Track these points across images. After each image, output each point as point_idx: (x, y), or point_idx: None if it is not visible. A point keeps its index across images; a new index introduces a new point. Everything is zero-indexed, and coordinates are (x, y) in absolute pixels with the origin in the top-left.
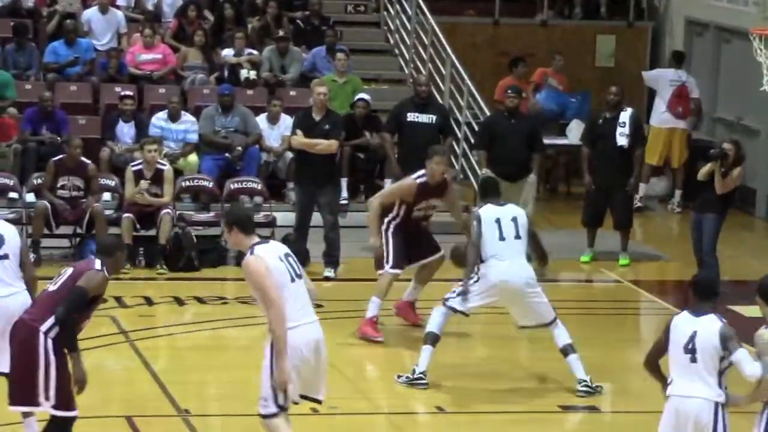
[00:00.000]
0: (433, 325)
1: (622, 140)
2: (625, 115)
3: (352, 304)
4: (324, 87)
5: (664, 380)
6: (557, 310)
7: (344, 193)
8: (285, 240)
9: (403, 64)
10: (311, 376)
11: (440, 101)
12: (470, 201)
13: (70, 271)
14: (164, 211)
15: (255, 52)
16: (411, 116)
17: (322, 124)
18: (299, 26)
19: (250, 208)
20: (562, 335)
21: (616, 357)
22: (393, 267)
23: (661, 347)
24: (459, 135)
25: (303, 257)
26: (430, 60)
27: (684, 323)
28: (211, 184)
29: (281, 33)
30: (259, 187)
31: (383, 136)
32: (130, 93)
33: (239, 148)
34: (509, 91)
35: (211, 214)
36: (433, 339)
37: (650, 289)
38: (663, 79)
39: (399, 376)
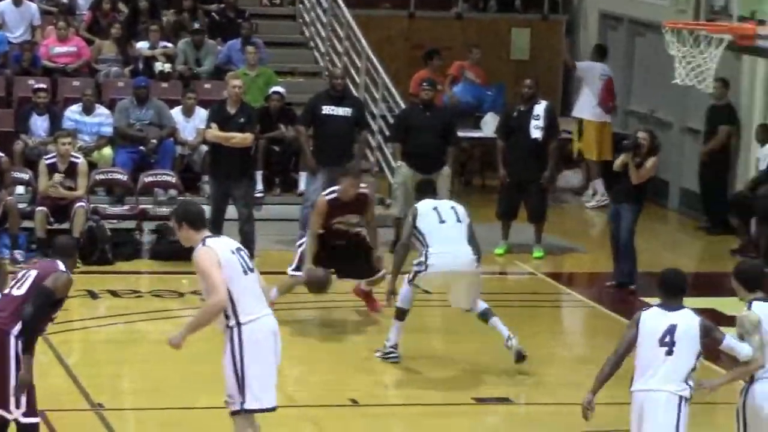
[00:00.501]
0: (399, 300)
1: (536, 133)
2: (540, 108)
3: None
4: (239, 80)
5: (606, 380)
6: None
7: (259, 186)
8: None
9: (318, 57)
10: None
11: (355, 94)
12: (385, 194)
13: (33, 273)
14: (78, 204)
15: (170, 44)
16: (326, 109)
17: (237, 117)
18: (214, 19)
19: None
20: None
21: (530, 349)
22: (294, 270)
23: (631, 342)
24: (374, 128)
25: None
26: (345, 53)
27: (656, 318)
28: (125, 177)
29: (196, 26)
30: (174, 180)
31: (298, 128)
32: (44, 86)
33: (154, 140)
34: (424, 84)
35: (126, 207)
36: (400, 313)
37: (564, 281)
38: (594, 72)
39: (377, 351)
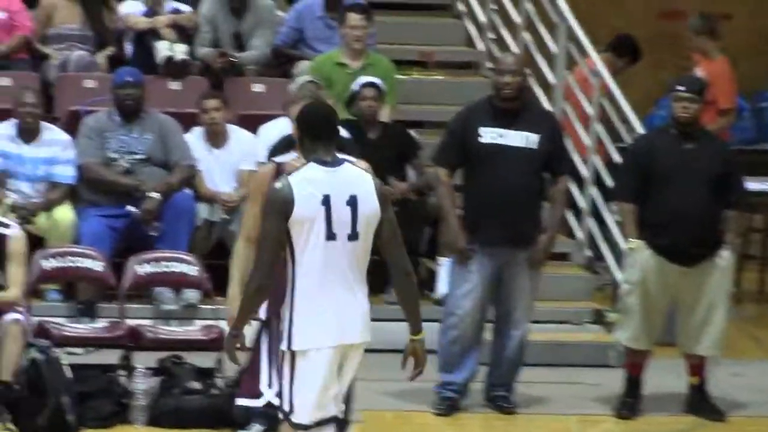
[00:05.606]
0: None
1: None
2: None
3: None
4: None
5: None
6: None
7: None
8: None
9: (473, 33)
10: None
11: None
12: None
13: None
14: (9, 316)
15: (185, 7)
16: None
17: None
18: None
19: None
20: None
21: None
22: None
23: None
24: None
25: None
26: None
27: None
28: (101, 266)
29: None
30: (197, 271)
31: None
32: None
33: (155, 194)
34: None
35: (102, 324)
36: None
37: None
38: None
39: None
